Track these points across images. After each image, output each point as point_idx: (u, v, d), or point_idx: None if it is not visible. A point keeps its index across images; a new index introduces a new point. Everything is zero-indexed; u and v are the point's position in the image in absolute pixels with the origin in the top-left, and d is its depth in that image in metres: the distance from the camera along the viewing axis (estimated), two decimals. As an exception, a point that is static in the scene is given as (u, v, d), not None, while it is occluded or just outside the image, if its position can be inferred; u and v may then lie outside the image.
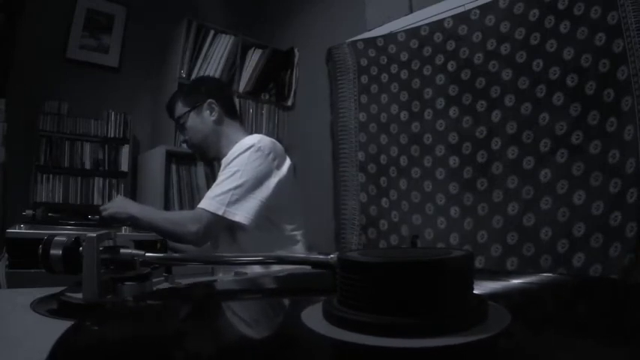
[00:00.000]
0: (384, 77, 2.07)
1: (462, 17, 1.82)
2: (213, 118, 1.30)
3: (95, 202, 2.25)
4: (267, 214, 1.17)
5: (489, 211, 1.69)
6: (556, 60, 1.54)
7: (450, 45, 1.84)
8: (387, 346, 0.23)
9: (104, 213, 1.11)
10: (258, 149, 1.17)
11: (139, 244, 0.51)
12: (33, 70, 2.15)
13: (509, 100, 1.66)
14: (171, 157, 2.21)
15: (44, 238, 0.44)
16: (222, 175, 1.17)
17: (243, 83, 2.55)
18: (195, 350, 0.26)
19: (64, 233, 0.45)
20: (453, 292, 0.26)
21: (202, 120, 1.30)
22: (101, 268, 0.42)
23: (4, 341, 0.36)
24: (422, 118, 1.93)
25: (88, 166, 2.26)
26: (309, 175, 2.29)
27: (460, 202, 1.77)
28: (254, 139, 1.20)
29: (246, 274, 0.69)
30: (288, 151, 1.33)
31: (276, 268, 0.82)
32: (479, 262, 1.66)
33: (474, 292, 0.29)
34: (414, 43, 1.96)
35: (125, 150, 2.36)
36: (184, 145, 1.53)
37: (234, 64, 2.50)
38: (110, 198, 2.25)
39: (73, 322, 0.28)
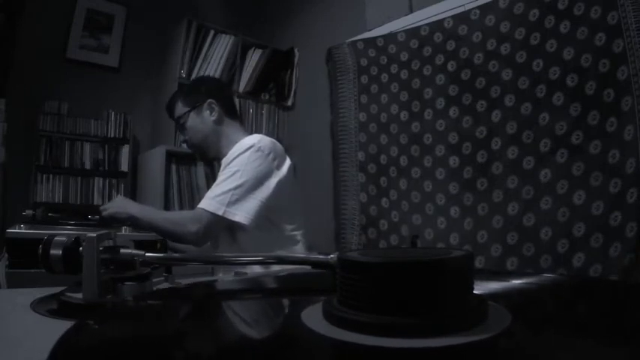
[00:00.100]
0: (384, 77, 2.07)
1: (462, 17, 1.82)
2: (213, 118, 1.30)
3: (95, 202, 2.25)
4: (267, 214, 1.17)
5: (489, 211, 1.69)
6: (556, 60, 1.54)
7: (450, 45, 1.84)
8: (387, 346, 0.23)
9: (104, 213, 1.11)
10: (258, 149, 1.17)
11: (139, 244, 0.51)
12: (33, 70, 2.15)
13: (509, 100, 1.66)
14: (171, 157, 2.21)
15: (44, 238, 0.44)
16: (222, 175, 1.17)
17: (243, 83, 2.55)
18: (195, 350, 0.26)
19: (64, 233, 0.45)
20: (453, 292, 0.26)
21: (202, 120, 1.30)
22: (101, 268, 0.42)
23: (4, 341, 0.36)
24: (422, 118, 1.93)
25: (88, 166, 2.26)
26: (309, 175, 2.29)
27: (460, 202, 1.77)
28: (254, 139, 1.20)
29: (246, 274, 0.69)
30: (288, 151, 1.33)
31: (276, 268, 0.82)
32: (479, 262, 1.66)
33: (474, 292, 0.29)
34: (414, 43, 1.96)
35: (125, 150, 2.36)
36: (184, 145, 1.53)
37: (234, 64, 2.50)
38: (110, 198, 2.26)
39: (73, 322, 0.28)
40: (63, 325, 0.27)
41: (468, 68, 1.79)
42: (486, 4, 1.74)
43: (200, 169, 2.32)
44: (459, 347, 0.23)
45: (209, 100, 1.30)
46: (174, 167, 2.23)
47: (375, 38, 2.11)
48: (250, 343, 0.29)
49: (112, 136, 2.32)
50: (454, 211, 1.79)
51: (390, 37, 2.05)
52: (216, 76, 2.36)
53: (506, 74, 1.67)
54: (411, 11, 2.04)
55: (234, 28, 2.52)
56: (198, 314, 0.36)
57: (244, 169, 1.14)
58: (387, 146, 2.04)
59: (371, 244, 2.04)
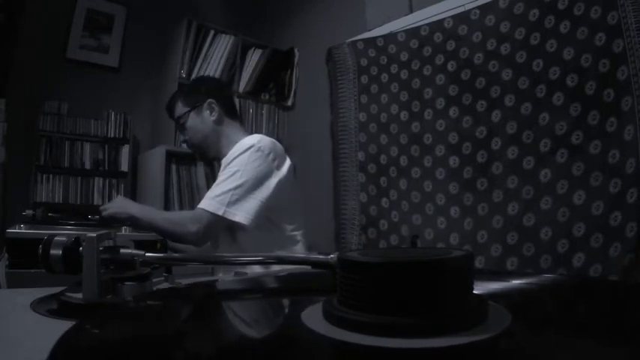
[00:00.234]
0: (384, 77, 2.07)
1: (461, 17, 1.82)
2: (213, 118, 1.30)
3: (95, 202, 2.25)
4: (267, 214, 1.17)
5: (489, 211, 1.69)
6: (556, 60, 1.54)
7: (450, 45, 1.84)
8: (387, 346, 0.23)
9: (104, 213, 1.11)
10: (258, 149, 1.17)
11: (139, 244, 0.51)
12: (33, 70, 2.15)
13: (509, 100, 1.66)
14: (171, 157, 2.21)
15: (44, 238, 0.44)
16: (222, 175, 1.17)
17: (243, 83, 2.55)
18: (195, 350, 0.26)
19: (64, 233, 0.45)
20: (453, 292, 0.26)
21: (202, 120, 1.30)
22: (101, 268, 0.42)
23: (4, 341, 0.36)
24: (422, 118, 1.93)
25: (88, 166, 2.26)
26: (309, 175, 2.29)
27: (460, 202, 1.77)
28: (254, 139, 1.20)
29: (246, 274, 0.69)
30: (288, 151, 1.33)
31: (276, 268, 0.82)
32: (479, 262, 1.66)
33: (474, 292, 0.29)
34: (414, 43, 1.96)
35: (125, 150, 2.36)
36: (184, 145, 1.53)
37: (234, 64, 2.50)
38: (110, 198, 2.26)
39: (73, 322, 0.28)
40: (63, 325, 0.27)
41: (468, 68, 1.79)
42: (486, 4, 1.74)
43: (200, 169, 2.32)
44: (459, 347, 0.23)
45: (209, 100, 1.30)
46: (174, 167, 2.23)
47: (375, 38, 2.11)
48: (250, 344, 0.29)
49: (112, 136, 2.32)
50: (454, 211, 1.79)
51: (390, 37, 2.05)
52: (216, 76, 2.36)
53: (506, 74, 1.67)
54: (411, 11, 2.04)
55: (234, 28, 2.52)
56: (198, 314, 0.36)
57: (244, 169, 1.14)
58: (387, 146, 2.04)
59: (371, 244, 2.04)
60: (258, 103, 2.60)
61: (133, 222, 1.08)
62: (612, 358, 0.22)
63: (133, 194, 2.36)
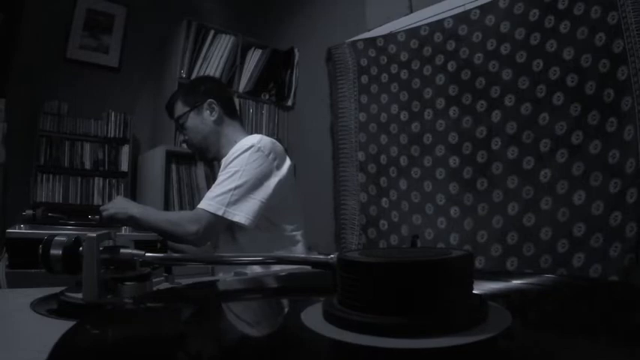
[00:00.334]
0: (384, 77, 2.07)
1: (462, 17, 1.82)
2: (213, 118, 1.30)
3: (95, 202, 2.25)
4: (267, 214, 1.17)
5: (489, 211, 1.69)
6: (556, 60, 1.54)
7: (450, 45, 1.84)
8: (387, 346, 0.23)
9: (104, 213, 1.11)
10: (258, 149, 1.17)
11: (139, 244, 0.51)
12: (33, 70, 2.16)
13: (509, 100, 1.66)
14: (171, 157, 2.21)
15: (44, 238, 0.44)
16: (222, 176, 1.17)
17: (243, 83, 2.55)
18: (195, 350, 0.26)
19: (64, 233, 0.45)
20: (453, 292, 0.26)
21: (202, 120, 1.30)
22: (101, 268, 0.42)
23: (4, 341, 0.36)
24: (422, 118, 1.93)
25: (88, 166, 2.27)
26: (309, 175, 2.29)
27: (460, 202, 1.77)
28: (254, 139, 1.20)
29: (246, 274, 0.69)
30: (288, 151, 1.33)
31: (276, 268, 0.82)
32: (479, 262, 1.66)
33: (474, 292, 0.29)
34: (414, 43, 1.96)
35: (125, 150, 2.36)
36: (184, 145, 1.53)
37: (234, 64, 2.50)
38: (110, 198, 2.26)
39: (73, 322, 0.28)
40: (63, 325, 0.27)
41: (468, 68, 1.79)
42: (486, 4, 1.74)
43: (200, 169, 2.32)
44: (459, 347, 0.23)
45: (209, 100, 1.30)
46: (174, 167, 2.23)
47: (375, 38, 2.11)
48: (250, 344, 0.29)
49: (112, 136, 2.32)
50: (454, 211, 1.79)
51: (390, 37, 2.05)
52: (216, 76, 2.36)
53: (507, 74, 1.67)
54: (411, 11, 2.04)
55: (234, 28, 2.52)
56: (198, 314, 0.36)
57: (244, 170, 1.14)
58: (387, 146, 2.04)
59: (371, 244, 2.04)
60: (258, 103, 2.60)
61: (133, 222, 1.08)
62: (612, 358, 0.22)
63: (133, 194, 2.36)
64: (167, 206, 2.16)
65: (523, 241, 1.57)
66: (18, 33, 2.10)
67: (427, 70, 1.92)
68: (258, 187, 1.15)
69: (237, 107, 1.99)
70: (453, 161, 1.82)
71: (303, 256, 0.44)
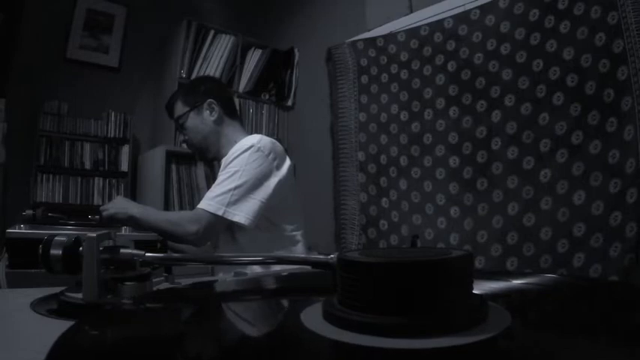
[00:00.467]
0: (384, 77, 2.07)
1: (462, 17, 1.82)
2: (213, 118, 1.30)
3: (95, 202, 2.25)
4: (267, 214, 1.17)
5: (489, 211, 1.69)
6: (556, 60, 1.54)
7: (450, 45, 1.84)
8: (387, 346, 0.23)
9: (104, 213, 1.11)
10: (258, 149, 1.17)
11: (139, 244, 0.51)
12: (33, 70, 2.16)
13: (509, 100, 1.66)
14: (171, 157, 2.21)
15: (44, 238, 0.44)
16: (222, 176, 1.17)
17: (243, 83, 2.55)
18: (194, 350, 0.26)
19: (64, 233, 0.45)
20: (453, 292, 0.26)
21: (202, 120, 1.30)
22: (101, 268, 0.42)
23: (4, 341, 0.36)
24: (422, 118, 1.93)
25: (88, 166, 2.27)
26: (309, 175, 2.29)
27: (460, 202, 1.77)
28: (254, 139, 1.20)
29: (246, 274, 0.69)
30: (288, 151, 1.33)
31: (276, 268, 0.82)
32: (479, 262, 1.66)
33: (474, 292, 0.29)
34: (414, 43, 1.96)
35: (125, 150, 2.36)
36: (184, 145, 1.53)
37: (234, 64, 2.50)
38: (110, 198, 2.26)
39: (73, 322, 0.28)
40: (63, 325, 0.27)
41: (468, 68, 1.79)
42: (486, 4, 1.74)
43: (200, 169, 2.32)
44: (459, 347, 0.23)
45: (209, 100, 1.30)
46: (174, 167, 2.23)
47: (375, 38, 2.11)
48: (249, 344, 0.29)
49: (112, 136, 2.32)
50: (454, 211, 1.79)
51: (390, 37, 2.05)
52: (216, 76, 2.36)
53: (507, 74, 1.67)
54: (411, 11, 2.04)
55: (234, 28, 2.52)
56: (198, 314, 0.36)
57: (244, 170, 1.14)
58: (387, 146, 2.04)
59: (371, 244, 2.04)
60: (258, 103, 2.60)
61: (133, 222, 1.08)
62: (612, 358, 0.22)
63: (133, 194, 2.36)
64: (167, 206, 2.16)
65: (523, 241, 1.57)
66: (18, 33, 2.10)
67: (427, 70, 1.92)
68: (258, 187, 1.15)
69: (237, 107, 1.99)
70: (453, 161, 1.82)
71: (303, 256, 0.44)
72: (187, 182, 2.28)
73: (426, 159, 1.91)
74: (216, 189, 1.14)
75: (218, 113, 1.30)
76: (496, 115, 1.70)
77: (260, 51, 2.60)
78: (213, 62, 2.41)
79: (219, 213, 1.10)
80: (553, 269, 1.47)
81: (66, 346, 0.24)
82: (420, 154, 1.93)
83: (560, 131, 1.52)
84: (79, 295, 0.42)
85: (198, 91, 1.33)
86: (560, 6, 1.53)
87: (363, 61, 2.15)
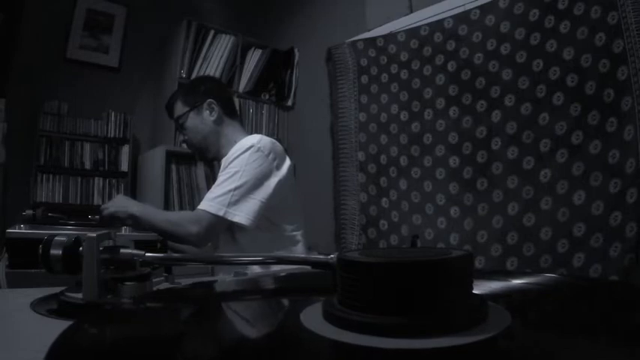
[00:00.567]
0: (384, 77, 2.07)
1: (462, 17, 1.82)
2: (212, 118, 1.30)
3: (95, 202, 2.25)
4: (267, 214, 1.17)
5: (489, 211, 1.69)
6: (556, 60, 1.54)
7: (450, 45, 1.84)
8: (387, 346, 0.23)
9: (105, 212, 1.11)
10: (258, 149, 1.17)
11: (139, 244, 0.51)
12: (33, 70, 2.16)
13: (509, 100, 1.66)
14: (171, 157, 2.21)
15: (44, 238, 0.44)
16: (222, 176, 1.17)
17: (243, 83, 2.55)
18: (194, 350, 0.26)
19: (64, 233, 0.45)
20: (453, 292, 0.26)
21: (202, 120, 1.30)
22: (101, 268, 0.42)
23: (4, 341, 0.36)
24: (422, 118, 1.93)
25: (88, 166, 2.27)
26: (309, 175, 2.29)
27: (460, 202, 1.77)
28: (254, 139, 1.20)
29: (246, 274, 0.69)
30: (288, 151, 1.33)
31: (276, 268, 0.82)
32: (479, 262, 1.66)
33: (474, 292, 0.29)
34: (414, 43, 1.96)
35: (125, 150, 2.36)
36: (184, 145, 1.53)
37: (234, 64, 2.50)
38: (110, 198, 2.25)
39: (72, 322, 0.28)
40: (63, 325, 0.27)
41: (468, 68, 1.79)
42: (486, 4, 1.74)
43: (200, 169, 2.32)
44: (459, 347, 0.23)
45: (209, 100, 1.30)
46: (174, 167, 2.23)
47: (375, 38, 2.11)
48: (249, 344, 0.29)
49: (112, 136, 2.32)
50: (454, 211, 1.79)
51: (390, 37, 2.05)
52: (216, 76, 2.36)
53: (507, 74, 1.67)
54: (411, 11, 2.04)
55: (234, 28, 2.52)
56: (198, 314, 0.36)
57: (244, 170, 1.14)
58: (387, 146, 2.04)
59: (371, 244, 2.04)
60: (258, 103, 2.60)
61: (134, 221, 1.08)
62: (612, 358, 0.22)
63: (133, 194, 2.36)
64: (167, 206, 2.17)
65: (523, 241, 1.57)
66: (18, 33, 2.10)
67: (427, 70, 1.92)
68: (258, 187, 1.15)
69: (237, 107, 1.99)
70: (453, 161, 1.82)
71: (303, 256, 0.44)
72: (187, 182, 2.28)
73: (426, 159, 1.91)
74: (216, 190, 1.14)
75: (218, 113, 1.30)
76: (496, 115, 1.70)
77: (260, 51, 2.60)
78: (213, 62, 2.41)
79: (220, 214, 1.10)
80: (553, 269, 1.47)
81: (65, 345, 0.24)
82: (420, 154, 1.93)
83: (560, 131, 1.52)
84: (79, 295, 0.42)
85: (198, 91, 1.33)
86: (560, 6, 1.53)
87: (363, 61, 2.15)
